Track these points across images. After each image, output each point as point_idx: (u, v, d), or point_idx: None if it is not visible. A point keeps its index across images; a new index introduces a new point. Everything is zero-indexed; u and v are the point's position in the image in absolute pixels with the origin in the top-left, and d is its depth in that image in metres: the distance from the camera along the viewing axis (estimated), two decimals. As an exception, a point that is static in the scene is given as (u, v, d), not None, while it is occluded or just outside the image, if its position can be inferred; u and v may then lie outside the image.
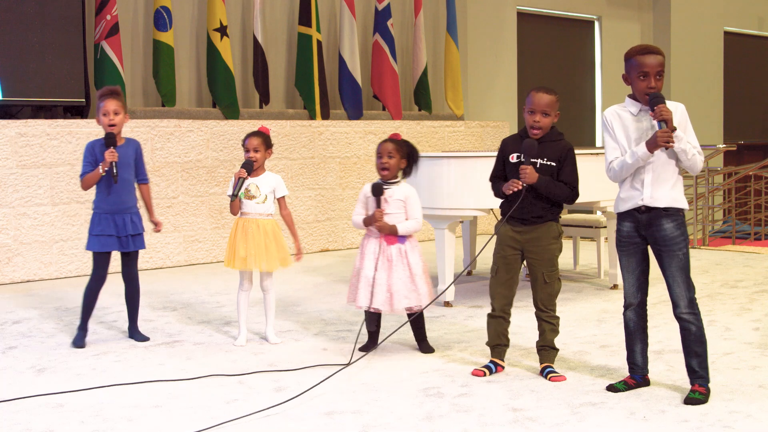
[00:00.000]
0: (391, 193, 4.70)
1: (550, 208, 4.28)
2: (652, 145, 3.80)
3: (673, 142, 3.75)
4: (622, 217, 4.01)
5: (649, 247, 4.01)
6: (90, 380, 4.33)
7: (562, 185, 4.24)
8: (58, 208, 7.44)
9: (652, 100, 3.82)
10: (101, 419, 3.73)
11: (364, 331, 4.87)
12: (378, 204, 4.66)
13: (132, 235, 5.07)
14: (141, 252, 7.78)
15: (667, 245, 3.88)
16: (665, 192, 3.88)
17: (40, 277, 7.39)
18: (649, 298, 4.08)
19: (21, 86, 7.44)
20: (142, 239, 5.16)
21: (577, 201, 4.41)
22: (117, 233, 5.01)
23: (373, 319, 4.85)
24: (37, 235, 7.37)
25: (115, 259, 5.15)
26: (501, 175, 4.39)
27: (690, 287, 3.90)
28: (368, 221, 4.71)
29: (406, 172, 4.81)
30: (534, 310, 4.38)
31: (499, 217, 4.44)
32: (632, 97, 3.97)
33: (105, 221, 5.01)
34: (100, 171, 4.95)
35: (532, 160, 4.22)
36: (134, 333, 5.21)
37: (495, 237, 4.40)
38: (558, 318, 4.36)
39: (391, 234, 4.65)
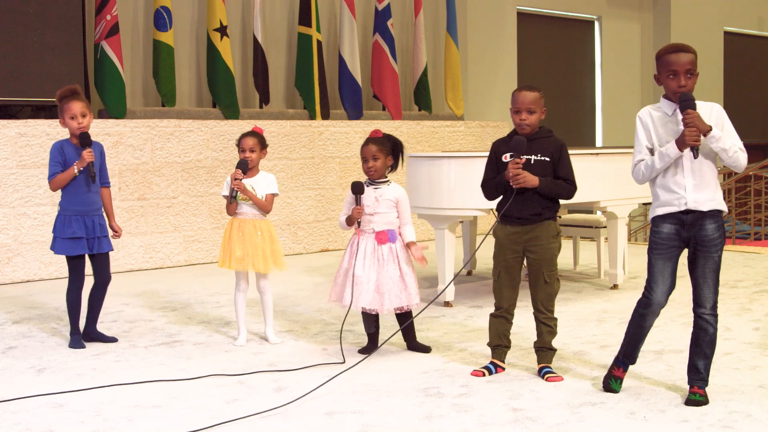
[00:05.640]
0: (381, 192, 4.73)
1: (548, 205, 4.28)
2: (681, 143, 3.78)
3: (699, 141, 3.73)
4: (662, 219, 3.91)
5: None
6: (90, 380, 4.33)
7: (562, 182, 4.25)
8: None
9: (681, 103, 3.80)
10: (101, 419, 3.73)
11: (360, 330, 4.86)
12: (357, 202, 4.69)
13: (99, 237, 5.02)
14: (141, 252, 7.86)
15: (705, 246, 3.84)
16: (709, 195, 3.84)
17: (40, 277, 7.39)
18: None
19: (21, 86, 7.44)
20: (110, 241, 5.11)
21: (577, 201, 4.41)
22: (86, 235, 4.96)
23: (371, 321, 4.84)
24: (37, 235, 7.37)
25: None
26: (493, 177, 4.39)
27: (717, 290, 3.87)
28: (350, 221, 4.74)
29: (393, 167, 4.83)
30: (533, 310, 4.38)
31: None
32: (666, 97, 3.91)
33: (76, 223, 4.95)
34: (75, 171, 4.89)
35: (526, 156, 4.23)
36: (98, 334, 5.13)
37: (494, 239, 4.40)
38: (556, 319, 4.36)
39: (423, 259, 4.69)
